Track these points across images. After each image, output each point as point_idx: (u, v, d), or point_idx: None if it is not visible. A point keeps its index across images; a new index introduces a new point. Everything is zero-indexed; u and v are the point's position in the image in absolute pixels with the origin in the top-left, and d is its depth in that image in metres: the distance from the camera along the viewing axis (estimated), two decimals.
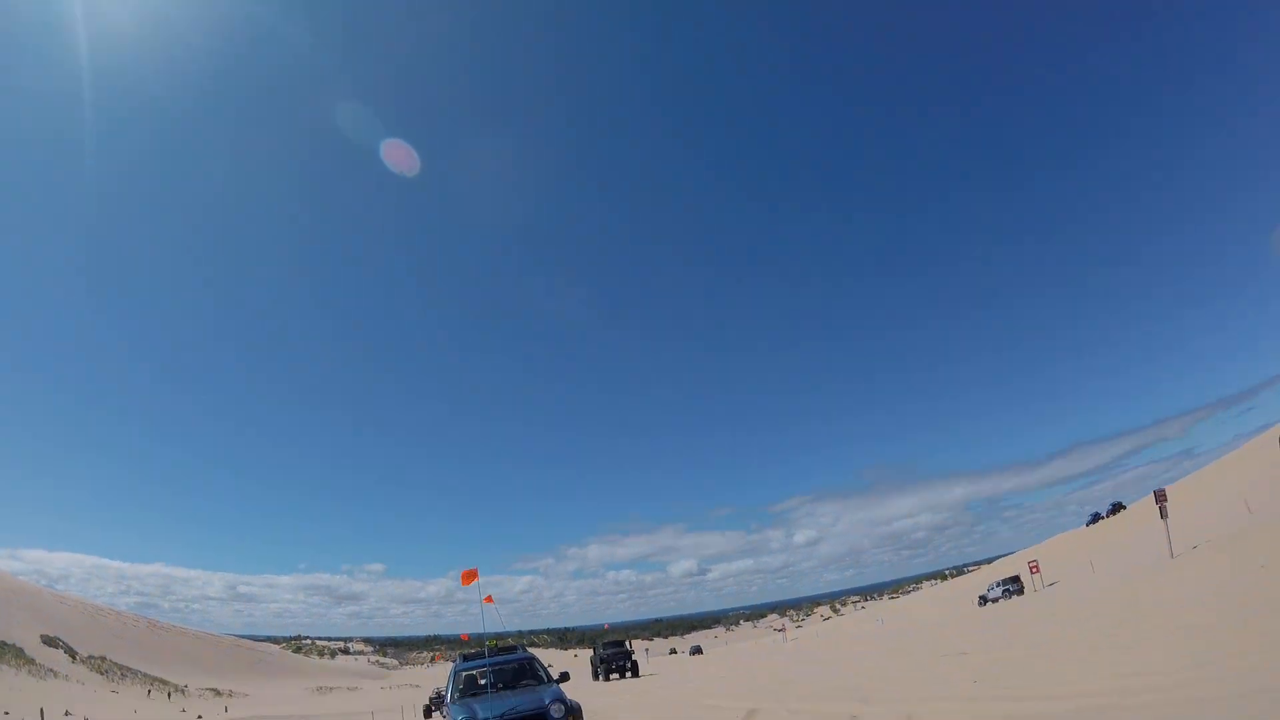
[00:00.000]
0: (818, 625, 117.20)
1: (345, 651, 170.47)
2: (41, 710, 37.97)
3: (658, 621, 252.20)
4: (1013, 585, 47.44)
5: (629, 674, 41.07)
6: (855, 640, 34.12)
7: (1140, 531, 52.77)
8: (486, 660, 12.16)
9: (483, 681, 11.49)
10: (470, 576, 14.45)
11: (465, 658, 12.86)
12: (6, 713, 39.74)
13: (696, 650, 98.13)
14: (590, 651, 47.11)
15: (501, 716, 9.30)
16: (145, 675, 74.18)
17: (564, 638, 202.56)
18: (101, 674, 69.04)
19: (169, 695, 67.78)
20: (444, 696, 11.36)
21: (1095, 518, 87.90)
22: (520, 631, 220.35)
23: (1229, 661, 7.54)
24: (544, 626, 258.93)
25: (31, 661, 60.75)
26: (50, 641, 70.18)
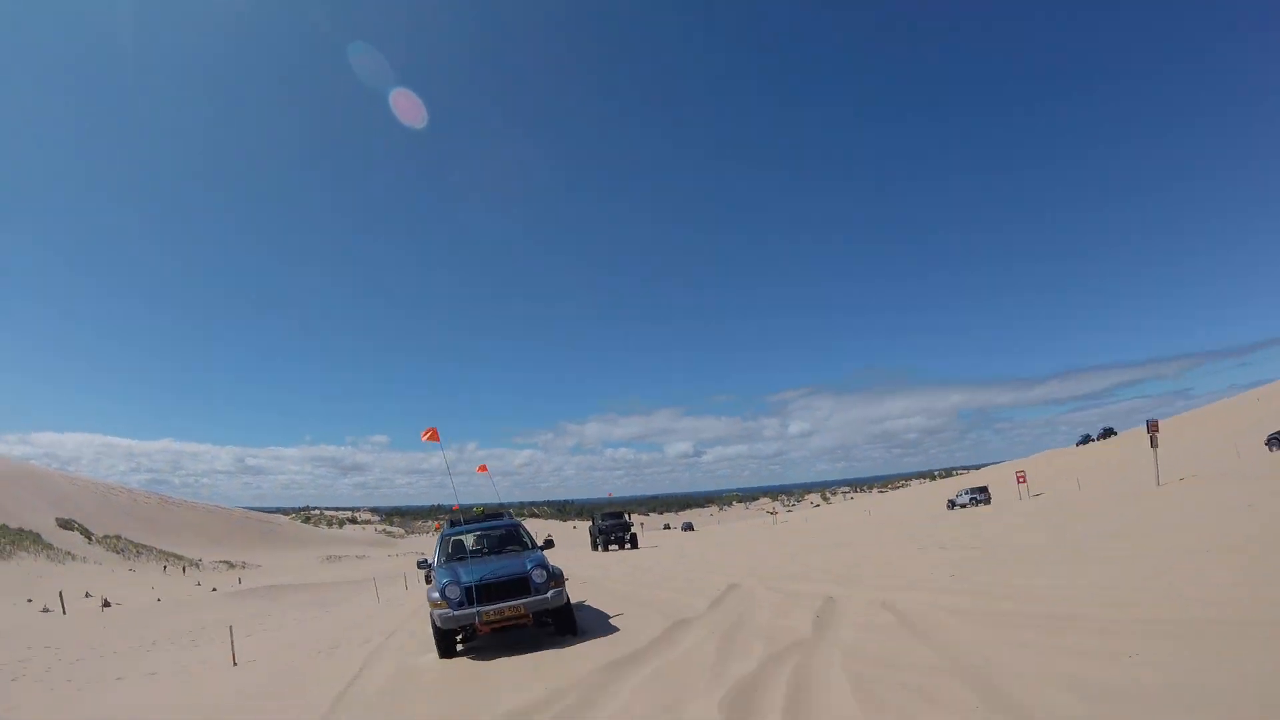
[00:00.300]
0: (807, 511, 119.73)
1: (353, 521, 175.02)
2: (60, 593, 38.91)
3: (653, 498, 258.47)
4: (980, 494, 50.44)
5: (628, 546, 40.32)
6: (841, 528, 34.59)
7: (1128, 459, 53.85)
8: (472, 526, 12.41)
9: (473, 547, 11.68)
10: (431, 434, 14.96)
11: (453, 524, 13.17)
12: (30, 600, 41.03)
13: (688, 527, 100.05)
14: (589, 523, 46.30)
15: (482, 580, 9.34)
16: (160, 551, 76.52)
17: (563, 510, 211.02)
18: (118, 553, 71.18)
19: (183, 570, 70.20)
20: (430, 562, 11.37)
21: (1085, 439, 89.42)
22: (521, 503, 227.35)
23: (1210, 587, 7.31)
24: (543, 499, 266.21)
25: (50, 546, 62.42)
26: (66, 524, 71.98)
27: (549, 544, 12.13)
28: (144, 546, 76.97)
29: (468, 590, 9.31)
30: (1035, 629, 6.62)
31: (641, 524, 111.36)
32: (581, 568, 24.49)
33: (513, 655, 8.89)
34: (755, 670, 6.35)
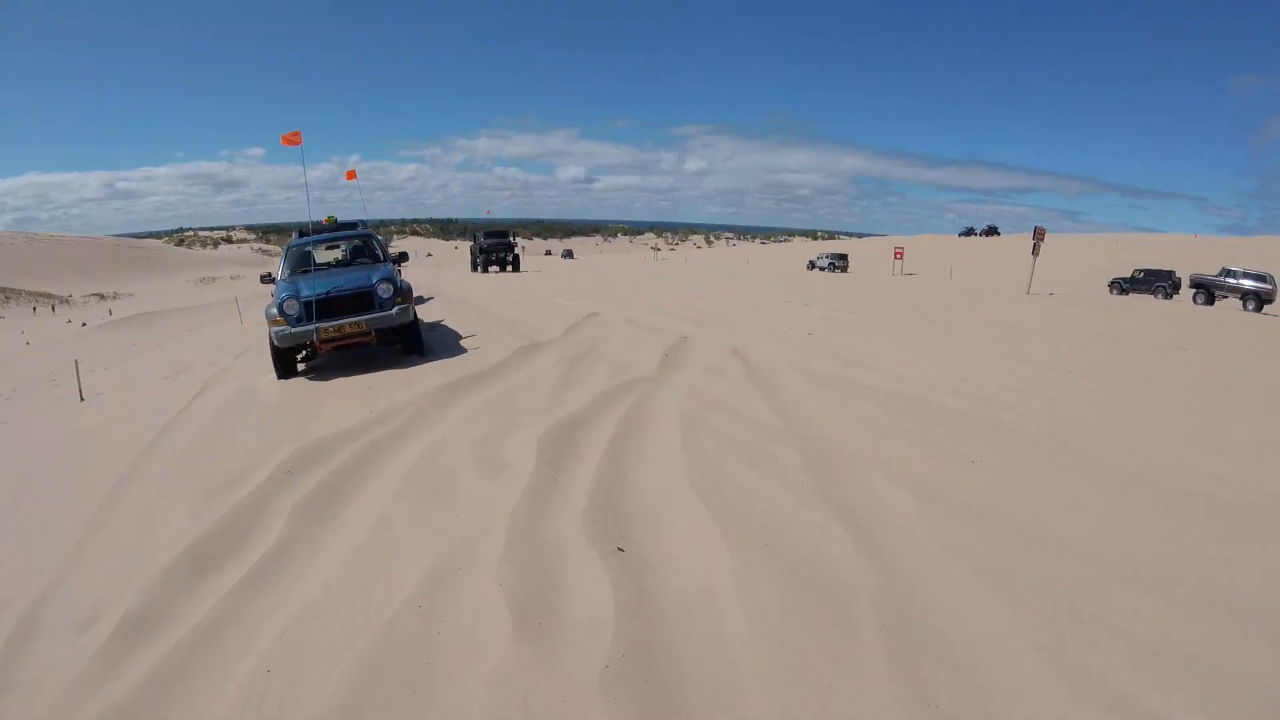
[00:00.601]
0: (689, 252, 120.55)
1: (228, 241, 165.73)
2: None
3: (539, 222, 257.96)
4: (840, 261, 53.32)
5: (510, 269, 37.10)
6: (715, 271, 35.27)
7: (1004, 261, 55.86)
8: (319, 237, 11.41)
9: (320, 260, 10.97)
10: (292, 139, 13.31)
11: (300, 233, 11.82)
12: None
13: (568, 255, 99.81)
14: (470, 243, 41.64)
15: (326, 295, 8.74)
16: (29, 293, 71.84)
17: (446, 228, 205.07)
18: None
19: (53, 308, 67.02)
20: (275, 277, 10.32)
21: (968, 231, 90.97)
22: (403, 220, 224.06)
23: (1065, 405, 6.84)
24: (427, 216, 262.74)
25: None
26: None
27: (402, 257, 11.37)
28: (11, 290, 71.75)
29: (307, 305, 8.65)
30: (882, 407, 6.24)
31: (523, 248, 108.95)
32: (452, 286, 23.66)
33: (351, 375, 8.54)
34: (589, 403, 6.14)
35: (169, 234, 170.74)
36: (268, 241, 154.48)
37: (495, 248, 38.03)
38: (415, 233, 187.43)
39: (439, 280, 30.27)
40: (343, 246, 11.42)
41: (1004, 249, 63.22)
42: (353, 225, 12.72)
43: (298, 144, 12.36)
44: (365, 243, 11.26)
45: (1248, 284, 32.24)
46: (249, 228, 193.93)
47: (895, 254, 49.70)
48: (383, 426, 5.97)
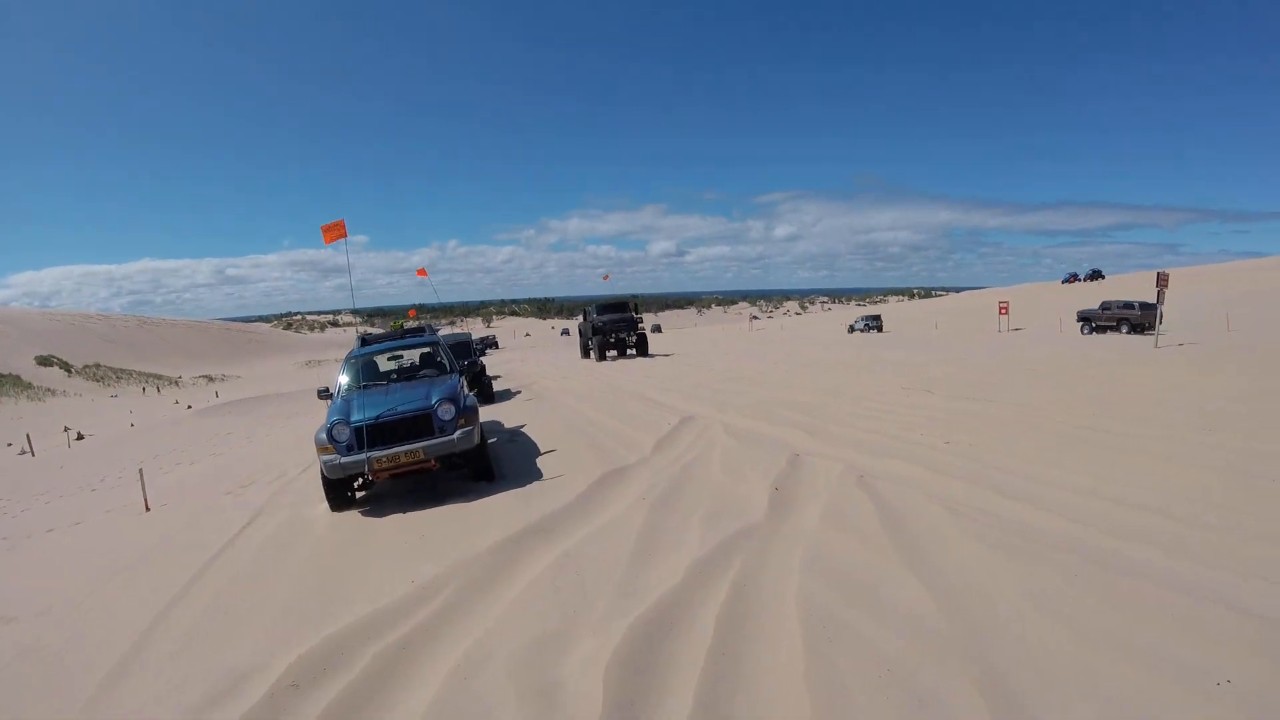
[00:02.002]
0: (785, 319, 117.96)
1: (334, 324, 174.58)
2: (27, 435, 38.16)
3: (634, 297, 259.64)
4: (874, 322, 55.48)
5: (632, 351, 29.17)
6: (817, 343, 33.71)
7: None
8: (382, 345, 10.61)
9: (383, 370, 10.16)
10: (334, 232, 11.72)
11: (364, 341, 11.10)
12: (9, 444, 40.24)
13: (656, 329, 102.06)
14: (580, 319, 32.50)
15: (378, 418, 7.85)
16: (140, 374, 76.04)
17: (544, 308, 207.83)
18: (98, 380, 70.36)
19: (158, 390, 69.97)
20: (332, 391, 9.56)
21: (1072, 277, 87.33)
22: (502, 300, 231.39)
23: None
24: (524, 296, 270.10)
25: (29, 386, 61.19)
26: (44, 361, 70.76)
27: (484, 347, 10.42)
28: (124, 371, 76.47)
29: (357, 430, 7.77)
30: (1072, 574, 4.32)
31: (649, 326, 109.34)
32: (545, 375, 22.89)
33: (409, 510, 7.59)
34: (679, 583, 4.60)
35: (277, 317, 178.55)
36: (372, 325, 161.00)
37: (613, 326, 28.86)
38: (514, 313, 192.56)
39: (532, 368, 29.76)
40: (405, 355, 10.54)
41: (1110, 292, 59.46)
42: (420, 330, 11.89)
43: (342, 236, 11.33)
44: (433, 351, 10.35)
45: (1128, 313, 34.21)
46: (354, 311, 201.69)
47: (1000, 309, 47.39)
48: (422, 609, 4.77)
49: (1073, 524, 5.23)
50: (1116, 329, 34.53)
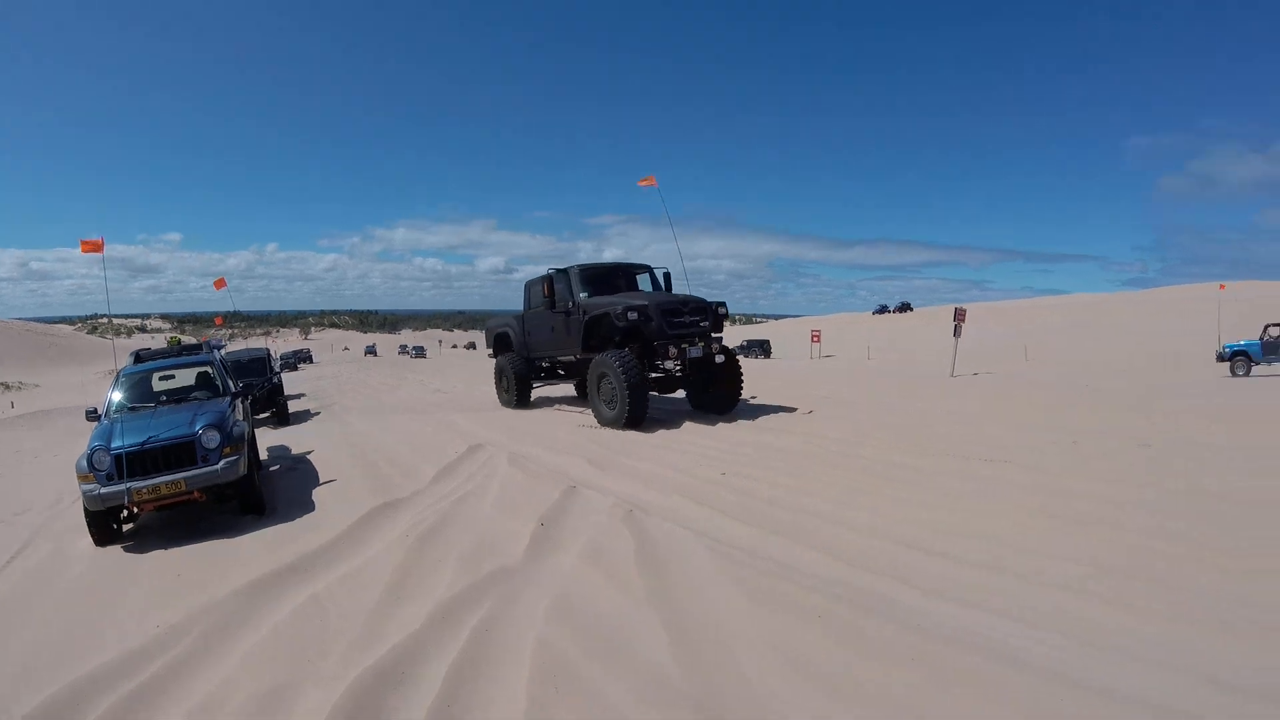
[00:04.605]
0: None
1: (142, 329, 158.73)
2: None
3: (460, 314, 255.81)
4: (760, 346, 56.78)
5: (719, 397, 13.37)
6: None
7: (920, 337, 56.77)
8: (154, 364, 10.00)
9: (155, 391, 9.44)
10: (92, 246, 11.89)
11: (137, 359, 10.53)
12: None
13: (471, 346, 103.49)
14: (542, 294, 13.90)
15: (140, 446, 7.21)
16: None
17: (365, 320, 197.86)
18: None
19: None
20: (101, 411, 8.84)
21: (882, 309, 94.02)
22: (322, 311, 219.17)
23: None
24: (347, 307, 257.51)
25: None
26: None
27: (294, 363, 9.89)
28: None
29: (117, 458, 7.12)
30: (825, 620, 4.27)
31: (440, 341, 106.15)
32: (349, 395, 21.79)
33: (173, 546, 7.00)
34: (419, 629, 4.39)
35: (83, 319, 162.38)
36: (183, 331, 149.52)
37: (678, 328, 12.47)
38: (334, 324, 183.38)
39: (339, 386, 28.02)
40: (179, 375, 9.88)
41: (917, 324, 63.95)
42: (196, 348, 11.27)
43: (99, 252, 10.69)
44: (207, 371, 9.72)
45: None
46: (164, 316, 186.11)
47: (813, 337, 50.09)
48: (164, 655, 4.46)
49: (840, 563, 5.22)
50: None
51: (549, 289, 13.53)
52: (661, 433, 11.41)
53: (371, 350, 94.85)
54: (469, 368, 35.75)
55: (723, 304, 13.33)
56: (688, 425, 11.88)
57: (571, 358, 14.23)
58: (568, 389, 17.75)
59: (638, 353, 12.09)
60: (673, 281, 14.47)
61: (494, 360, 16.90)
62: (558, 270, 13.77)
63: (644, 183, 16.63)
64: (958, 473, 7.90)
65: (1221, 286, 55.93)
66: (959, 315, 25.75)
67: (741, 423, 12.15)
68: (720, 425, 11.89)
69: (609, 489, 7.72)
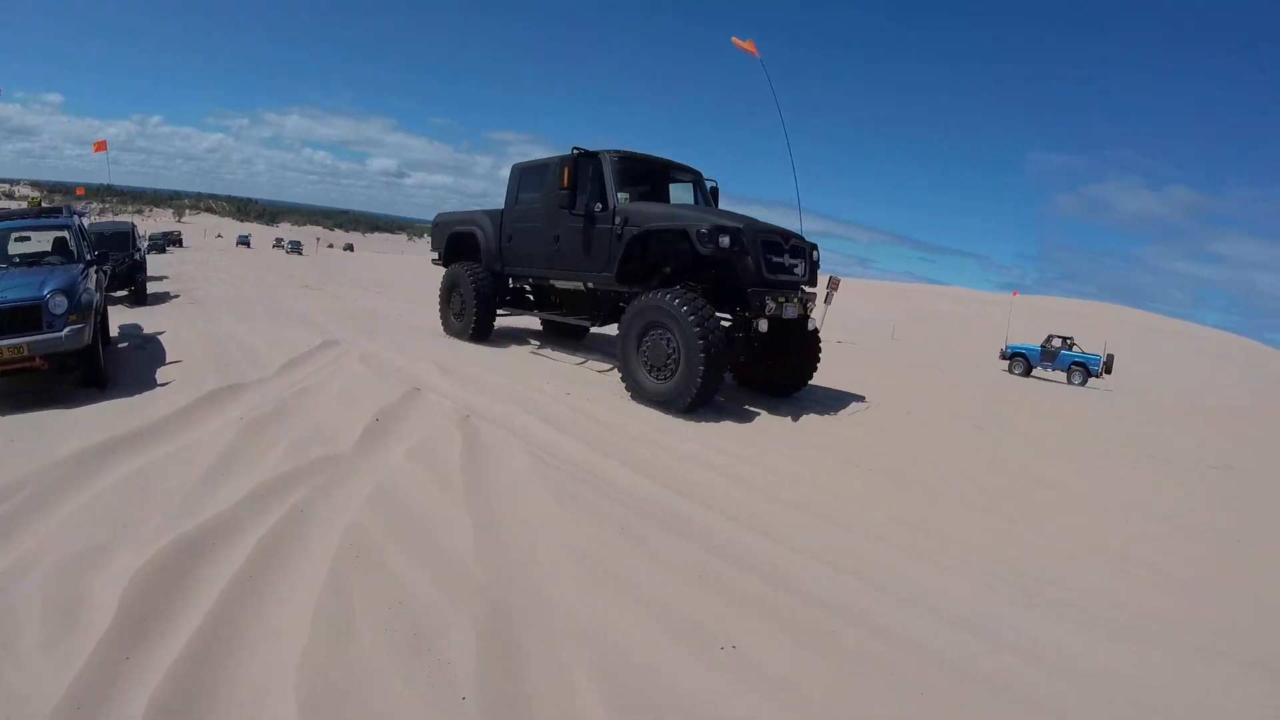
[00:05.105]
0: None
1: (10, 196, 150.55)
2: None
3: (344, 213, 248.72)
4: None
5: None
6: None
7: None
8: (7, 224, 9.60)
9: (12, 252, 9.21)
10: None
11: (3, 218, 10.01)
12: None
13: (348, 248, 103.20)
14: (512, 193, 11.54)
15: None
16: None
17: (244, 209, 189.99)
18: None
19: None
20: None
21: None
22: (199, 194, 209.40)
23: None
24: (226, 193, 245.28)
25: None
26: None
27: (163, 245, 9.46)
28: None
29: None
30: (623, 529, 4.82)
31: (318, 239, 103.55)
32: (215, 283, 20.49)
33: (6, 414, 6.70)
34: (239, 501, 4.57)
35: None
36: (51, 200, 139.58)
37: (775, 274, 8.91)
38: (210, 209, 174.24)
39: (205, 272, 26.72)
40: (35, 238, 9.56)
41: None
42: (56, 211, 10.71)
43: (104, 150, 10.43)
44: (65, 236, 9.39)
45: None
46: (34, 183, 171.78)
47: None
48: None
49: (658, 485, 5.67)
50: None
51: (569, 177, 9.67)
52: (513, 347, 11.86)
53: (244, 241, 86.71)
54: (381, 277, 33.58)
55: (816, 246, 9.71)
56: (533, 343, 12.39)
57: (579, 285, 10.33)
58: (528, 321, 15.39)
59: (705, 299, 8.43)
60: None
61: (443, 271, 13.05)
62: (584, 153, 9.83)
63: (742, 45, 11.92)
64: (790, 423, 8.67)
65: (1015, 294, 70.31)
66: (833, 284, 26.81)
67: (599, 348, 12.67)
68: (575, 347, 12.45)
69: (452, 394, 7.96)
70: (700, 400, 8.14)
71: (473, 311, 11.75)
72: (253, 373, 8.37)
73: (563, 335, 13.79)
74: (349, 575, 3.84)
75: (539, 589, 3.90)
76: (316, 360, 9.31)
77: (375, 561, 4.02)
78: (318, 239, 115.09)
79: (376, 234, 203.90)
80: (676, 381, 8.20)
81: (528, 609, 3.69)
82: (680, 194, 10.84)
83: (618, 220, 9.29)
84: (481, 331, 11.96)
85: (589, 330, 13.79)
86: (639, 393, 8.68)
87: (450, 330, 12.57)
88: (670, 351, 8.28)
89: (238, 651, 3.21)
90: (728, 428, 7.97)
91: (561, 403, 8.17)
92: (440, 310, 12.93)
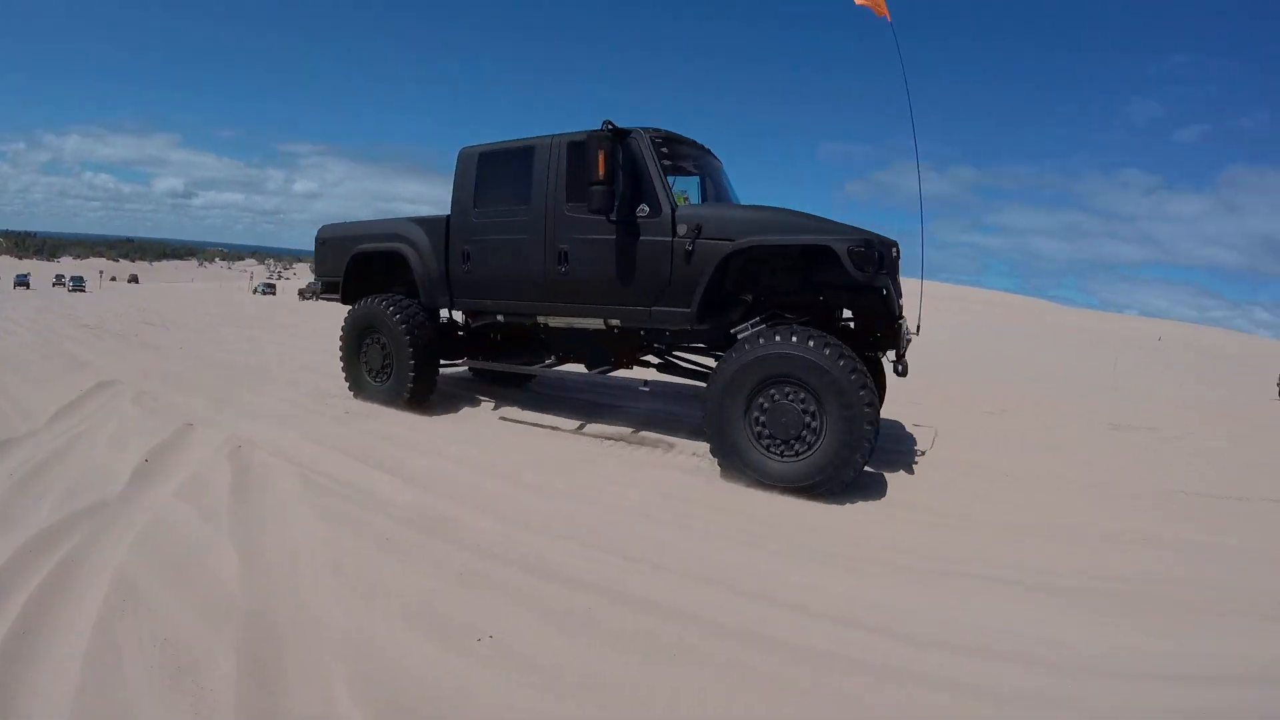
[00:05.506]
0: (293, 282, 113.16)
1: None
2: None
3: (129, 241, 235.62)
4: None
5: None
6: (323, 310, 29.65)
7: None
8: None
9: None
10: None
11: None
12: None
13: (132, 279, 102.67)
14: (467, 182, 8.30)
15: None
16: None
17: (21, 243, 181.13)
18: None
19: None
20: None
21: None
22: None
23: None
24: (3, 226, 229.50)
25: None
26: None
27: None
28: None
29: None
30: (385, 540, 5.31)
31: (101, 274, 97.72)
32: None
33: None
34: (4, 566, 4.45)
35: None
36: None
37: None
38: None
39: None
40: None
41: None
42: None
43: None
44: None
45: None
46: None
47: None
48: None
49: (421, 490, 6.07)
50: None
51: (605, 166, 6.61)
52: (291, 363, 12.07)
53: (23, 281, 72.84)
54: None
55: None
56: (311, 350, 12.13)
57: (597, 323, 7.61)
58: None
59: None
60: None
61: (345, 310, 9.72)
62: (618, 130, 6.83)
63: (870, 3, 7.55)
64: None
65: None
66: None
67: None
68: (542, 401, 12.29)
69: (225, 425, 7.89)
70: (845, 483, 6.00)
71: (409, 367, 8.67)
72: (22, 425, 7.94)
73: (499, 382, 10.97)
74: (115, 618, 3.98)
75: (299, 601, 4.20)
76: (91, 403, 8.93)
77: (141, 601, 4.17)
78: (100, 272, 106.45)
79: (165, 261, 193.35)
80: (818, 459, 5.97)
81: (293, 625, 3.97)
82: (685, 186, 8.18)
83: (681, 230, 6.71)
84: (420, 393, 8.93)
85: (533, 378, 11.12)
86: (748, 472, 6.32)
87: (364, 394, 9.34)
88: (807, 418, 6.05)
89: (9, 716, 3.28)
90: (515, 443, 8.88)
91: (342, 421, 8.46)
92: (345, 365, 9.61)
